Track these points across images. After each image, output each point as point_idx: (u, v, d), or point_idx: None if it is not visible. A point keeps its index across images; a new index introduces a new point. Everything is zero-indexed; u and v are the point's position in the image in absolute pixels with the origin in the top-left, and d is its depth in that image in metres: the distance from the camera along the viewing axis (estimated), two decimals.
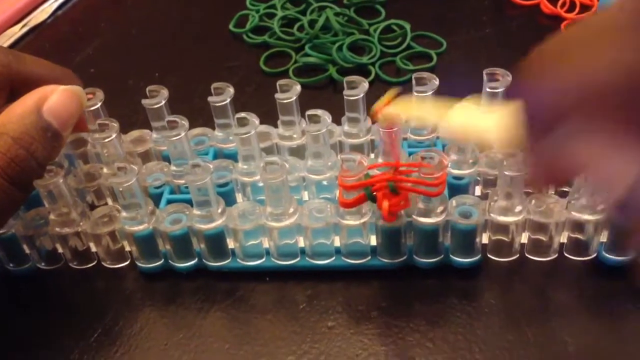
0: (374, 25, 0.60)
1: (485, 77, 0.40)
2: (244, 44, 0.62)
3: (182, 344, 0.36)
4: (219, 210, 0.38)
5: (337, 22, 0.59)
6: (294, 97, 0.40)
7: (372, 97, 0.40)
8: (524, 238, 0.38)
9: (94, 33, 0.66)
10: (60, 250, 0.41)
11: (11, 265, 0.40)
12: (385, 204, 0.34)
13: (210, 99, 0.41)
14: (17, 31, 0.66)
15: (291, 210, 0.37)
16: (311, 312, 0.37)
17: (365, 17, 0.62)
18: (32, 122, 0.35)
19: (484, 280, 0.38)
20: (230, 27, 0.63)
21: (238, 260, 0.39)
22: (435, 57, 0.56)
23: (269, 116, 0.43)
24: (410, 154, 0.40)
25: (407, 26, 0.59)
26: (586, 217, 0.36)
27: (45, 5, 0.69)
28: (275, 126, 0.43)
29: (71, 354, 0.36)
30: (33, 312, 0.39)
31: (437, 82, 0.40)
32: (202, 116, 0.49)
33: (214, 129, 0.44)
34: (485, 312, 0.36)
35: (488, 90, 0.40)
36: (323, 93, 0.54)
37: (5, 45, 0.64)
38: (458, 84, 0.31)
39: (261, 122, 0.40)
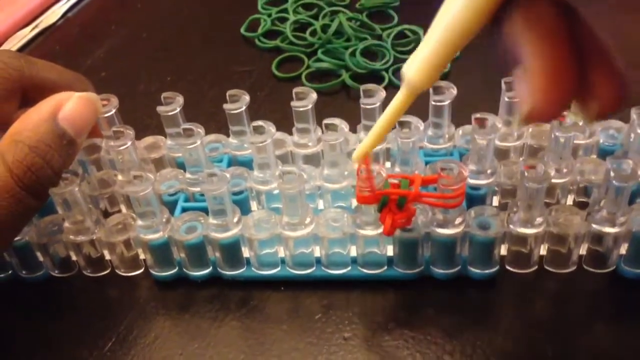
0: (387, 30, 0.60)
1: (503, 86, 0.40)
2: (256, 49, 0.61)
3: (197, 354, 0.36)
4: (235, 220, 0.37)
5: (349, 27, 0.59)
6: (310, 105, 0.40)
7: (386, 103, 0.40)
8: (543, 250, 0.38)
9: (104, 35, 0.66)
10: (74, 257, 0.40)
11: (24, 272, 0.40)
12: (389, 220, 0.34)
13: (225, 106, 0.41)
14: (27, 33, 0.65)
15: (307, 219, 0.37)
16: (327, 323, 0.37)
17: (378, 22, 0.61)
18: (48, 130, 0.34)
19: (501, 292, 0.38)
20: (242, 31, 0.63)
21: (253, 269, 0.39)
22: (448, 64, 0.56)
23: (282, 122, 0.43)
24: (426, 163, 0.40)
25: (420, 31, 0.59)
26: (606, 229, 0.36)
27: (56, 7, 0.69)
28: (288, 131, 0.43)
29: None
30: (46, 320, 0.39)
31: (455, 91, 0.40)
32: (214, 120, 0.49)
33: (226, 134, 0.44)
34: (503, 325, 0.36)
35: (506, 99, 0.40)
36: (336, 99, 0.54)
37: (16, 47, 0.64)
38: None
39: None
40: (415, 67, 0.28)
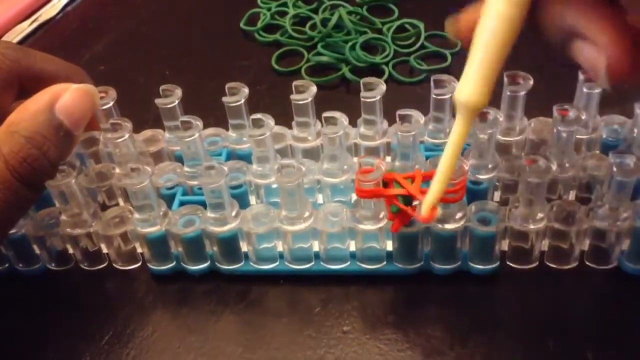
0: (387, 24, 0.59)
1: (505, 80, 0.39)
2: (256, 43, 0.61)
3: (194, 348, 0.36)
4: (233, 213, 0.37)
5: (350, 21, 0.58)
6: (310, 99, 0.40)
7: (386, 97, 0.40)
8: (544, 245, 0.37)
9: (103, 30, 0.65)
10: (70, 251, 0.40)
11: (21, 265, 0.40)
12: (398, 221, 0.34)
13: (224, 99, 0.40)
14: (26, 27, 0.65)
15: (306, 214, 0.37)
16: (326, 317, 0.37)
17: (379, 16, 0.61)
18: (45, 121, 0.34)
19: (502, 288, 0.37)
20: (241, 25, 0.63)
21: (251, 263, 0.39)
22: (449, 57, 0.55)
23: (282, 116, 0.42)
24: (427, 157, 0.39)
25: (421, 25, 0.58)
26: (608, 225, 0.35)
27: (55, 1, 0.69)
28: (288, 125, 0.42)
29: (82, 358, 0.36)
30: (42, 314, 0.38)
31: (456, 84, 0.39)
32: (213, 115, 0.48)
33: (226, 128, 0.44)
34: (503, 321, 0.36)
35: (509, 93, 0.39)
36: (336, 93, 0.54)
37: (15, 41, 0.63)
38: None
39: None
40: (468, 88, 0.27)
